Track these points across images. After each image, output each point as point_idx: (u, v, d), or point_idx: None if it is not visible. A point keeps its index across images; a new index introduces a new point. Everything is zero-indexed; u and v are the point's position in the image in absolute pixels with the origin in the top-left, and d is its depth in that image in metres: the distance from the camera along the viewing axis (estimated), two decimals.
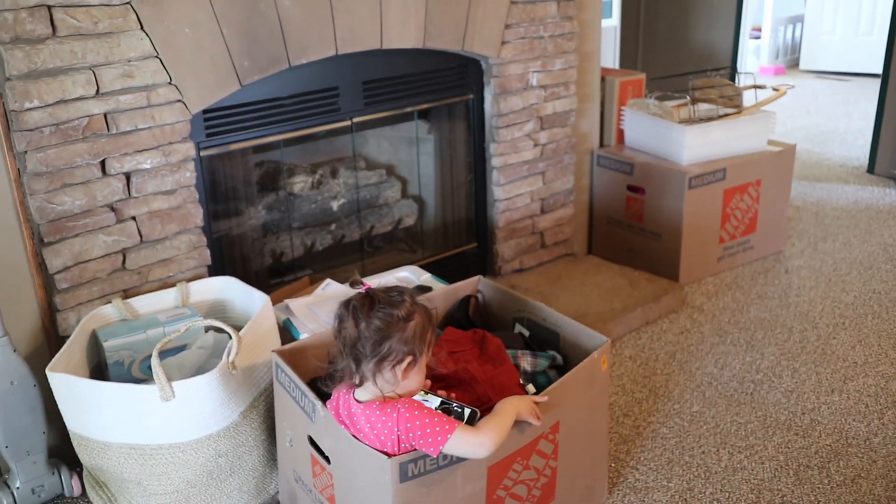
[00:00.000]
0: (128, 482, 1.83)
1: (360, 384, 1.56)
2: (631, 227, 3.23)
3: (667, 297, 2.93)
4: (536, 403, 1.66)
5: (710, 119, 3.14)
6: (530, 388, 1.86)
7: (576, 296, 2.93)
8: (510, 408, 1.60)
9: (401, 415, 1.51)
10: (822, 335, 2.76)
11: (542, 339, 2.03)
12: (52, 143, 1.92)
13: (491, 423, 1.55)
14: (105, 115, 1.99)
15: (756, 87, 3.39)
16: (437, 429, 1.49)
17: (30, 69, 1.85)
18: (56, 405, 1.87)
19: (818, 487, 2.04)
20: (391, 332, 1.52)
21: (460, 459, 1.57)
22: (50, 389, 1.85)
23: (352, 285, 1.62)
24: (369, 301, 1.54)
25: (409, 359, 1.54)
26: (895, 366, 2.57)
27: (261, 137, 2.37)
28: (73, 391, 1.79)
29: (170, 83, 2.07)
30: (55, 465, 2.04)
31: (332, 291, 2.36)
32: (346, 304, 1.56)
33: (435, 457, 1.52)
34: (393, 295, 1.56)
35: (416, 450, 1.51)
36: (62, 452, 2.06)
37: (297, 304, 2.24)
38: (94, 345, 2.03)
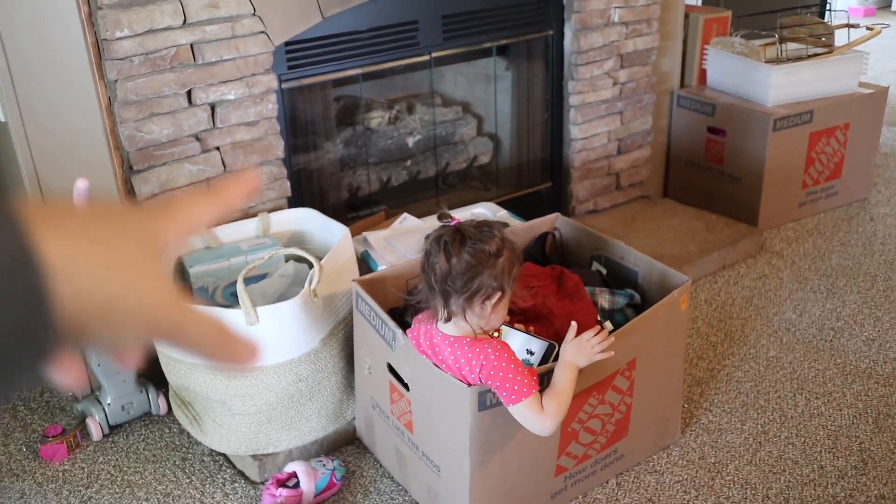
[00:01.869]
0: (212, 402, 1.91)
1: (449, 319, 1.57)
2: (710, 171, 3.15)
3: (744, 242, 2.87)
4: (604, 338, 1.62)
5: (798, 59, 3.02)
6: (608, 324, 1.86)
7: (650, 238, 2.90)
8: (570, 374, 1.55)
9: (488, 359, 1.52)
10: None
11: (620, 277, 2.02)
12: (141, 72, 1.96)
13: (556, 402, 1.51)
14: (191, 46, 2.02)
15: (849, 25, 3.25)
16: (516, 387, 1.49)
17: None
18: None
19: None
20: (482, 269, 1.51)
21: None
22: None
23: (440, 219, 1.62)
24: (460, 236, 1.53)
25: (498, 294, 1.54)
26: None
27: (340, 71, 2.38)
28: None
29: (253, 14, 2.08)
30: (143, 385, 2.13)
31: (410, 225, 2.38)
32: (438, 238, 1.55)
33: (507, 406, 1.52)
34: (483, 230, 1.55)
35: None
36: (150, 373, 2.15)
37: (374, 237, 2.27)
38: (180, 271, 2.09)
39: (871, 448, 1.97)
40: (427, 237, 1.59)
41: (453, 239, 1.54)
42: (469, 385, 1.53)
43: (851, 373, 2.25)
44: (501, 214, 2.42)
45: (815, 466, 1.92)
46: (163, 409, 2.16)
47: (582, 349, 1.57)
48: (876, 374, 2.24)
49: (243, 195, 0.46)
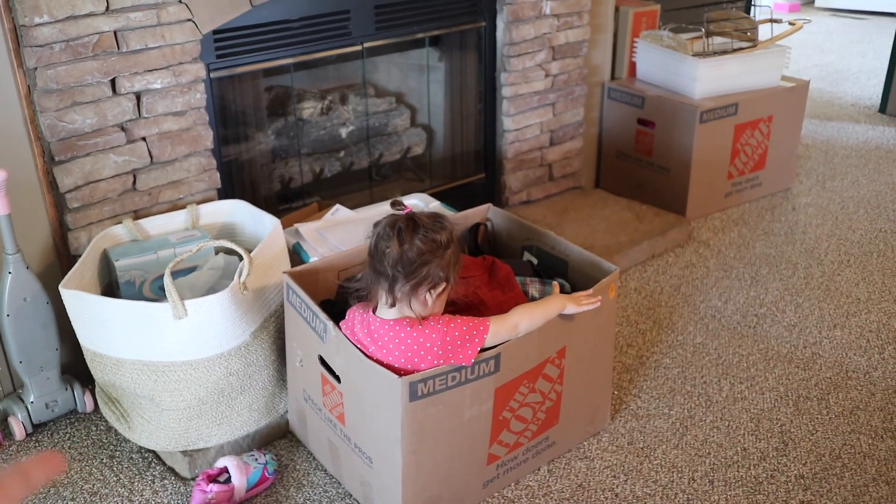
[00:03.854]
0: (140, 398, 1.87)
1: (393, 305, 1.58)
2: (640, 162, 3.21)
3: (673, 232, 2.94)
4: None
5: (724, 52, 3.10)
6: None
7: (582, 228, 2.94)
8: (554, 300, 1.73)
9: (437, 330, 1.55)
10: (826, 272, 2.78)
11: (551, 267, 2.05)
12: (62, 60, 1.90)
13: (523, 307, 1.68)
14: (115, 33, 1.97)
15: (772, 20, 3.33)
16: (475, 332, 1.58)
17: None
18: (68, 323, 1.90)
19: (816, 418, 2.08)
20: (432, 258, 1.55)
21: (468, 380, 1.60)
22: (62, 307, 1.87)
23: (393, 206, 1.63)
24: (413, 224, 1.56)
25: (443, 285, 1.58)
26: None
27: (270, 60, 2.35)
28: (87, 308, 1.81)
29: (180, 1, 2.04)
30: (68, 381, 2.08)
31: (342, 216, 2.37)
32: (392, 224, 1.57)
33: (469, 365, 1.59)
34: (436, 221, 1.59)
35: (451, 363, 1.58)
36: (75, 369, 2.10)
37: (306, 229, 2.25)
38: (106, 264, 2.04)
39: (791, 430, 2.04)
40: (376, 224, 1.62)
41: (407, 225, 1.56)
42: (402, 374, 1.53)
43: (773, 357, 2.32)
44: (434, 206, 2.42)
45: (739, 448, 1.98)
46: (89, 407, 2.10)
47: (575, 297, 1.75)
48: (796, 359, 2.31)
49: (49, 476, 0.52)
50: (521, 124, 2.96)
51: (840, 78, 5.03)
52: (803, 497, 1.84)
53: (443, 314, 1.74)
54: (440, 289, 1.58)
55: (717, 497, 1.84)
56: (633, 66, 3.30)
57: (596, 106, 3.26)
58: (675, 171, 3.09)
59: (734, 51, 3.12)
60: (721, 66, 3.06)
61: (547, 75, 2.95)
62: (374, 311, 1.63)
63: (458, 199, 2.87)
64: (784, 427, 2.05)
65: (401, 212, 1.61)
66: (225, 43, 2.21)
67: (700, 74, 3.01)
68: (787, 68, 3.25)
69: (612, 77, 3.30)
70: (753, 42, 3.18)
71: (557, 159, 3.14)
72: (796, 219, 3.17)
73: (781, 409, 2.12)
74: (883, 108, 4.33)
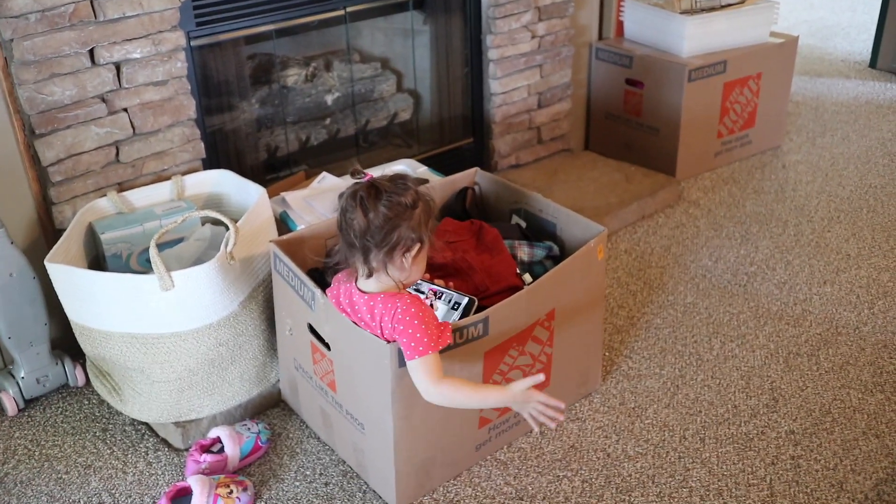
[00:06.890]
0: (130, 370, 1.87)
1: (370, 275, 1.56)
2: (629, 122, 3.19)
3: (663, 192, 2.93)
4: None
5: (711, 9, 3.06)
6: (527, 277, 1.88)
7: (572, 191, 2.93)
8: (495, 395, 1.56)
9: (396, 312, 1.51)
10: (816, 228, 2.78)
11: (539, 229, 2.04)
12: (38, 30, 1.87)
13: (460, 388, 1.52)
14: (91, 2, 1.93)
15: None
16: (413, 344, 1.49)
17: None
18: (56, 297, 1.89)
19: (807, 374, 2.09)
20: (400, 221, 1.51)
21: (457, 344, 1.59)
22: (49, 282, 1.86)
23: (352, 175, 1.60)
24: (375, 191, 1.52)
25: (417, 245, 1.54)
26: (887, 258, 2.59)
27: (252, 27, 2.31)
28: (74, 282, 1.80)
29: None
30: (58, 356, 2.07)
31: (329, 184, 2.35)
32: (353, 195, 1.53)
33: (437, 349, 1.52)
34: (398, 183, 1.54)
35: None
36: (65, 344, 2.09)
37: (293, 197, 2.24)
38: (91, 238, 2.03)
39: (781, 386, 2.05)
40: (341, 195, 1.57)
41: (369, 193, 1.52)
42: (388, 342, 1.53)
43: (763, 315, 2.33)
44: (421, 171, 2.41)
45: (730, 406, 1.99)
46: (80, 381, 2.10)
47: (527, 400, 1.54)
48: (787, 316, 2.32)
49: None
50: (508, 87, 2.93)
51: (830, 33, 4.99)
52: (794, 452, 1.85)
53: (431, 280, 1.73)
54: (415, 250, 1.55)
55: (708, 454, 1.85)
56: (620, 25, 3.26)
57: (584, 67, 3.23)
58: (665, 131, 3.08)
59: (722, 7, 3.08)
60: (709, 22, 3.02)
61: (533, 37, 2.92)
62: (356, 282, 1.62)
63: (446, 164, 2.85)
64: (774, 384, 2.06)
65: (361, 179, 1.58)
66: (205, 10, 2.17)
67: (688, 32, 2.98)
68: (775, 24, 3.22)
69: (600, 37, 3.26)
70: None
71: (546, 122, 3.12)
72: (786, 176, 3.16)
73: (772, 366, 2.12)
74: (873, 63, 4.31)
